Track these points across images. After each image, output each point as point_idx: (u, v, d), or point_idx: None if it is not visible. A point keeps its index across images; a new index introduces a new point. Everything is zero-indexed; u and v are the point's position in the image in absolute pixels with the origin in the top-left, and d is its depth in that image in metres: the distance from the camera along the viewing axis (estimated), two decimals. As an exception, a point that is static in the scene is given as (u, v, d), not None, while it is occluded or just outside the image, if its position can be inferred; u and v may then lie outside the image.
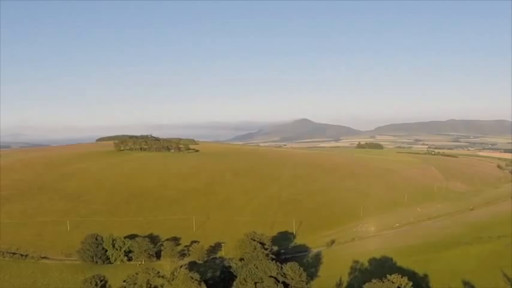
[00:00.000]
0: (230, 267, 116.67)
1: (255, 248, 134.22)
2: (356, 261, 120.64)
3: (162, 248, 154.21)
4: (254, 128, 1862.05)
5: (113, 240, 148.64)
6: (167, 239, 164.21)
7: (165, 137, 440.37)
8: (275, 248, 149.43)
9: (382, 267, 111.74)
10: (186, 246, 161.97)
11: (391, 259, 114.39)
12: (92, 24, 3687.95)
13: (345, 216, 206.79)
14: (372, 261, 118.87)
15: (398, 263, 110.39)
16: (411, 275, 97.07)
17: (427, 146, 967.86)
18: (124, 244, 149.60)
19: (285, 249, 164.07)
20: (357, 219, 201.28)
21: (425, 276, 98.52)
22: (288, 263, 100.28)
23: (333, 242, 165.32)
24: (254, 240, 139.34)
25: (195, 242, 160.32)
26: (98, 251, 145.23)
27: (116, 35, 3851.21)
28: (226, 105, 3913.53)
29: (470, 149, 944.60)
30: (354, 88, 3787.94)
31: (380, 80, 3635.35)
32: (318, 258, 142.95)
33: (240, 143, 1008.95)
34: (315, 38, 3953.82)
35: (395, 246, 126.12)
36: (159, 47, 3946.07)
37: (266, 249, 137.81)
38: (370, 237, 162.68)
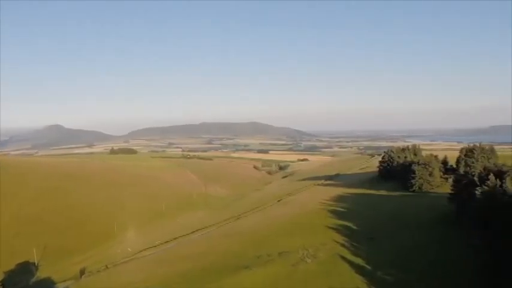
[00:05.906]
0: None
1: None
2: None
3: None
4: (6, 136, 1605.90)
5: None
6: None
7: None
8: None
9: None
10: None
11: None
12: None
13: (99, 236, 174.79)
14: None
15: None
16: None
17: (181, 149, 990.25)
18: None
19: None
20: (113, 238, 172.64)
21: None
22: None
23: (83, 272, 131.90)
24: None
25: None
26: None
27: None
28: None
29: (224, 150, 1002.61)
30: (108, 93, 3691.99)
31: (131, 85, 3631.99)
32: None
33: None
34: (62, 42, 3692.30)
35: (159, 275, 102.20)
36: None
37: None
38: (128, 262, 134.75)
